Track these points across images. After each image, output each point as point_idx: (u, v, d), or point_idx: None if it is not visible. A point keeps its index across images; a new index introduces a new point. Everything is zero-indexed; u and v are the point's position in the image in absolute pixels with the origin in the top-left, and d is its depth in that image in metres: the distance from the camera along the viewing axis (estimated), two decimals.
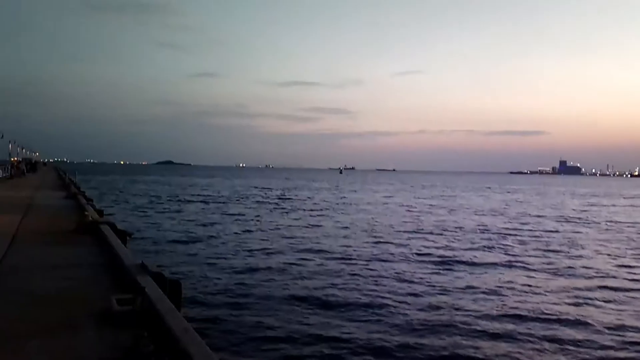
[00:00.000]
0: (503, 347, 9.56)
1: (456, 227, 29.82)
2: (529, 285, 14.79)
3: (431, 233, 26.75)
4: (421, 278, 15.29)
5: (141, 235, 21.95)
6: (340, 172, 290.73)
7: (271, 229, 26.59)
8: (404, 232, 27.00)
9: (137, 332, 4.55)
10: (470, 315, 11.44)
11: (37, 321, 5.04)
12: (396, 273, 15.89)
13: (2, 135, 25.49)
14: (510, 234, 27.03)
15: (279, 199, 53.92)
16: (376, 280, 14.76)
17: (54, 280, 6.82)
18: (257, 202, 48.31)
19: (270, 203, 47.12)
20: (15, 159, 58.73)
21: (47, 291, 6.26)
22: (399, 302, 12.41)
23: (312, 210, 40.40)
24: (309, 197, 57.73)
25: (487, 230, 28.82)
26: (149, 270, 6.85)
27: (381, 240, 23.56)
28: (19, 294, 6.10)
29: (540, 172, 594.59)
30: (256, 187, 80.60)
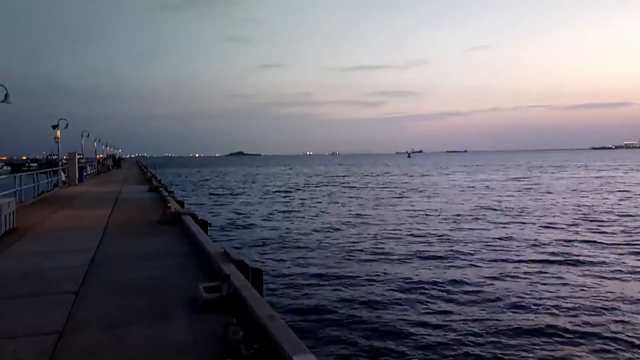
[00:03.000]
0: None
1: None
2: None
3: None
4: None
5: (218, 224, 22.76)
6: (409, 156, 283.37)
7: (349, 218, 26.63)
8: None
9: (226, 319, 4.66)
10: None
11: (132, 309, 5.30)
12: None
13: (67, 125, 27.18)
14: None
15: (346, 186, 53.94)
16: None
17: (144, 270, 7.17)
18: (326, 189, 48.62)
19: (339, 190, 47.25)
20: (101, 155, 62.93)
21: (139, 280, 6.58)
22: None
23: (400, 196, 40.05)
24: (407, 182, 57.30)
25: None
26: (232, 258, 7.02)
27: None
28: (114, 283, 6.46)
29: (627, 147, 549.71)
30: (323, 175, 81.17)
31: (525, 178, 59.54)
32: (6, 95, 14.97)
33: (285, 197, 39.81)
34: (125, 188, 25.42)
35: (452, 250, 16.60)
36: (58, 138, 26.73)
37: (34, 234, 10.71)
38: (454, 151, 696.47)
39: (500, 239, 18.75)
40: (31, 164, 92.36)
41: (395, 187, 48.13)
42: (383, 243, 18.26)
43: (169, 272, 7.06)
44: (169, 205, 13.38)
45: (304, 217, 26.07)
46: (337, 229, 21.56)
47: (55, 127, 26.60)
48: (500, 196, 36.36)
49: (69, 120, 28.16)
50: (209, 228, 13.62)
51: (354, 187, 50.34)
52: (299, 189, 48.53)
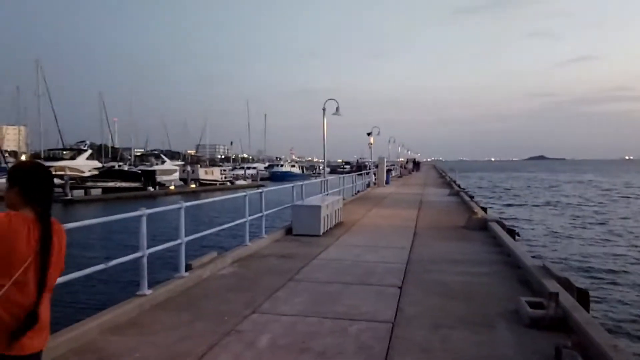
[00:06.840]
0: None
1: None
2: None
3: None
4: None
5: (524, 235, 21.41)
6: None
7: None
8: None
9: (557, 340, 4.24)
10: None
11: (452, 312, 5.38)
12: None
13: (379, 132, 29.53)
14: None
15: None
16: None
17: (458, 274, 7.24)
18: None
19: None
20: (402, 159, 67.82)
21: (454, 283, 6.68)
22: None
23: None
24: None
25: None
26: (554, 274, 6.42)
27: None
28: (431, 283, 6.72)
29: None
30: None
31: None
32: (337, 108, 17.64)
33: (600, 212, 34.61)
34: (426, 190, 26.61)
35: None
36: (371, 144, 29.99)
37: (356, 227, 12.20)
38: None
39: None
40: (344, 166, 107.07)
41: None
42: None
43: (482, 279, 6.95)
44: (475, 211, 13.29)
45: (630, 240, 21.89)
46: None
47: (369, 134, 29.95)
48: None
49: (373, 126, 31.31)
50: (516, 238, 12.95)
51: None
52: (617, 202, 41.60)
